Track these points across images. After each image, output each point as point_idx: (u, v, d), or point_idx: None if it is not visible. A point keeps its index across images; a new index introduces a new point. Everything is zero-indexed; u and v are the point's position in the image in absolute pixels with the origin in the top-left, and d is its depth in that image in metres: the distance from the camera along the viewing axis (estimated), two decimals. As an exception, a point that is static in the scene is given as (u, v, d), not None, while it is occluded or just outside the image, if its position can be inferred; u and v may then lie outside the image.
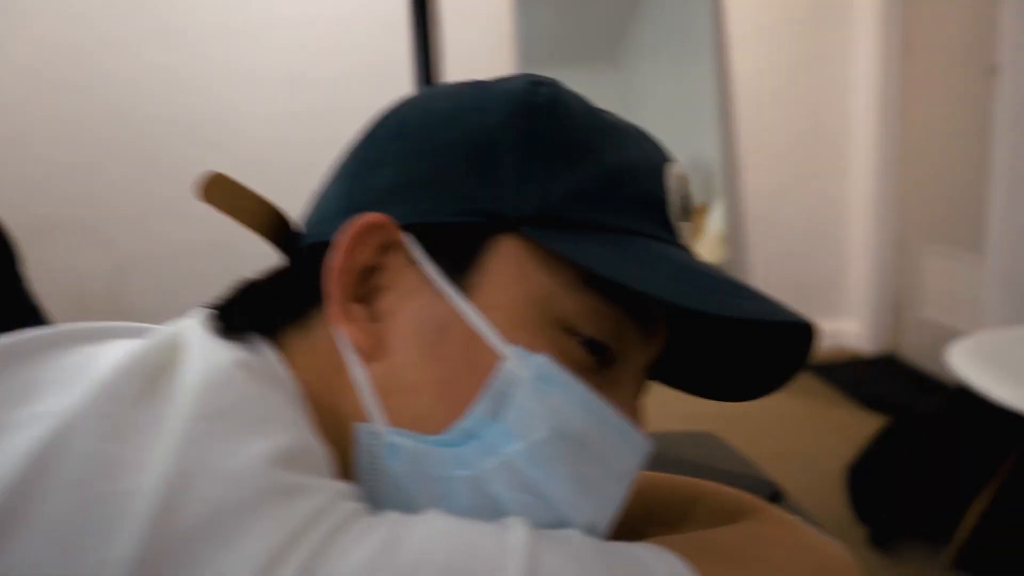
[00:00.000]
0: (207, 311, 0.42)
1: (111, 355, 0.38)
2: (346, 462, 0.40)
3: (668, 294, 0.37)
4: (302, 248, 0.43)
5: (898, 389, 2.70)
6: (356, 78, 2.71)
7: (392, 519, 0.32)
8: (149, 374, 0.35)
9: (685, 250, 0.43)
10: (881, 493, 1.84)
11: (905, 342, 2.99)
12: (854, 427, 2.36)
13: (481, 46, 2.79)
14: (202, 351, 0.35)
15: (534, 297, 0.39)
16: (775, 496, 0.60)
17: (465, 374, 0.38)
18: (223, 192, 0.42)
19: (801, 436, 2.38)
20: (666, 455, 0.63)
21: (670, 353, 0.49)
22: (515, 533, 0.33)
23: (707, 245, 3.74)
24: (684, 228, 0.44)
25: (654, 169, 0.43)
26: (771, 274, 3.14)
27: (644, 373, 0.45)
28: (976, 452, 1.72)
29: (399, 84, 2.42)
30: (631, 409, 0.42)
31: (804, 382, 2.82)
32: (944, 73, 2.69)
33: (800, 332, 0.42)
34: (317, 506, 0.30)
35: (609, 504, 0.40)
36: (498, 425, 0.38)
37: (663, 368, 0.51)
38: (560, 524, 0.38)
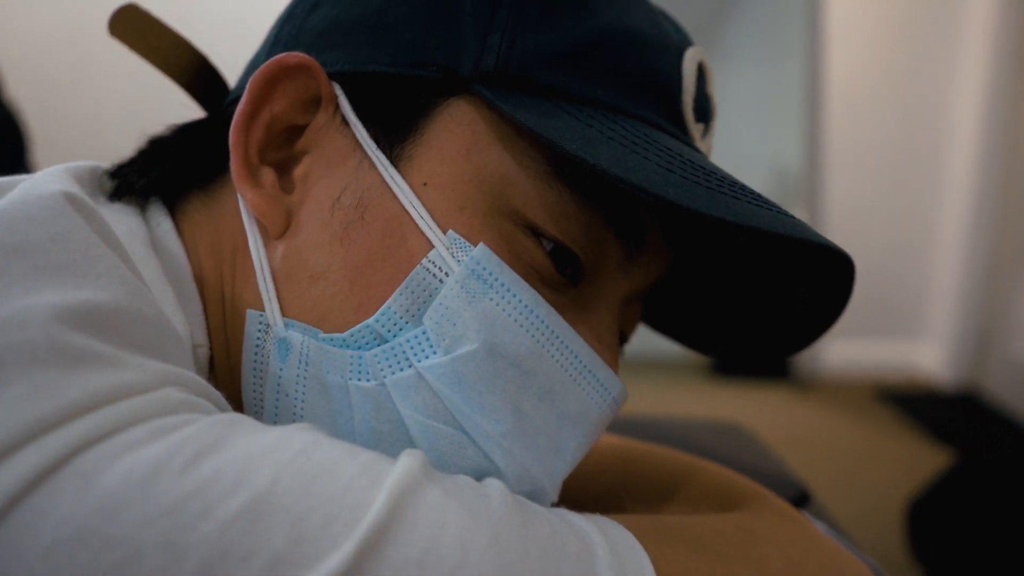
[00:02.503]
0: (88, 164, 0.34)
1: None
2: (231, 362, 0.32)
3: (654, 185, 0.27)
4: (224, 104, 0.36)
5: (975, 427, 2.50)
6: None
7: (229, 420, 0.23)
8: None
9: (693, 148, 0.34)
10: (944, 534, 1.69)
11: (988, 377, 2.76)
12: (922, 462, 2.20)
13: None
14: (27, 184, 0.27)
15: (485, 177, 0.30)
16: (800, 498, 0.49)
17: (383, 263, 0.30)
18: (135, 26, 0.35)
19: (863, 464, 2.24)
20: (678, 438, 0.53)
21: (676, 298, 0.40)
22: (398, 465, 0.24)
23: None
24: (699, 131, 0.34)
25: (667, 46, 0.33)
26: (847, 291, 2.96)
27: (632, 309, 0.36)
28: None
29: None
30: (604, 345, 0.33)
31: (872, 407, 2.64)
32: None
33: (834, 267, 0.32)
34: (111, 384, 0.22)
35: (557, 455, 0.31)
36: (415, 329, 0.29)
37: (661, 313, 0.41)
38: (482, 472, 0.29)
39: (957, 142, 2.87)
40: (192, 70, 0.37)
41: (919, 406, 2.64)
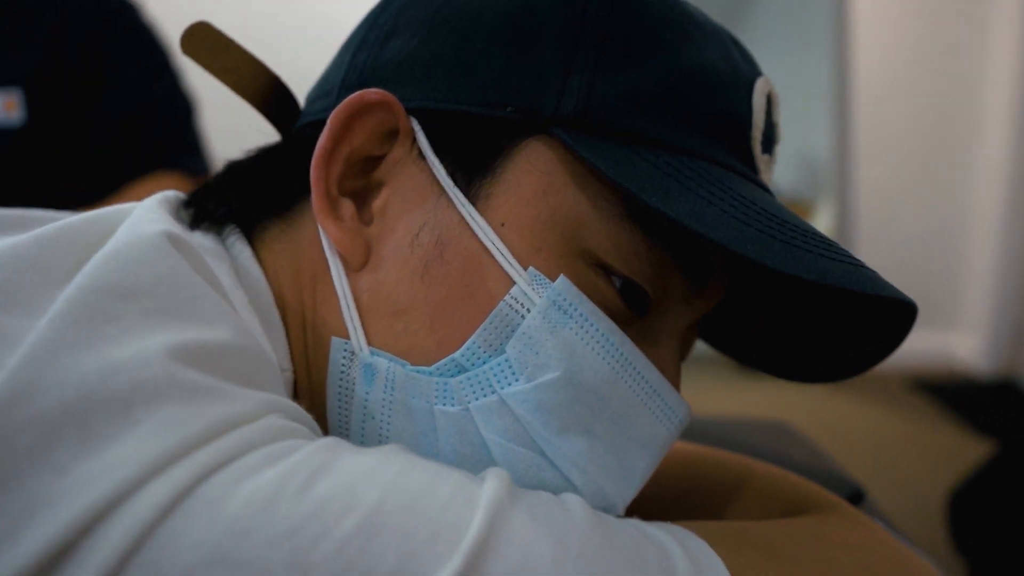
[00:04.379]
0: (172, 193, 0.36)
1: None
2: (313, 384, 0.33)
3: (732, 241, 0.28)
4: (298, 129, 0.37)
5: (1014, 416, 2.48)
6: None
7: (331, 444, 0.25)
8: (86, 246, 0.29)
9: (764, 189, 0.34)
10: (986, 526, 1.68)
11: (1027, 365, 2.73)
12: (961, 452, 2.18)
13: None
14: (131, 223, 0.29)
15: (560, 219, 0.31)
16: (855, 496, 0.50)
17: (465, 301, 0.31)
18: (208, 45, 0.36)
19: (902, 455, 2.22)
20: (728, 440, 0.54)
21: (729, 313, 0.40)
22: (486, 485, 0.25)
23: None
24: (765, 162, 0.35)
25: (739, 80, 0.34)
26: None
27: (690, 332, 0.36)
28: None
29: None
30: (669, 371, 0.34)
31: (909, 398, 2.62)
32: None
33: (895, 310, 0.32)
34: (227, 415, 0.23)
35: (628, 476, 0.32)
36: (498, 358, 0.30)
37: (719, 329, 0.42)
38: (559, 491, 0.30)
39: (989, 130, 2.82)
40: (265, 90, 0.38)
41: (956, 396, 2.62)
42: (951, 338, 2.99)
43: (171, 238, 0.28)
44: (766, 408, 2.08)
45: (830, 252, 0.30)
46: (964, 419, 2.42)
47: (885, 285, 0.30)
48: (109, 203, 1.04)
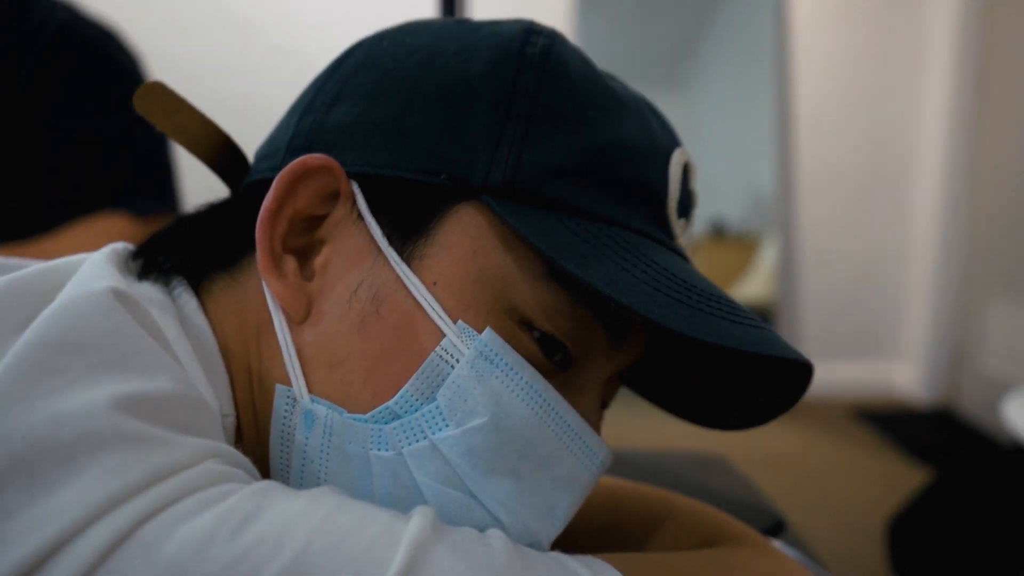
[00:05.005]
0: (121, 246, 0.37)
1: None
2: (259, 431, 0.35)
3: (641, 305, 0.31)
4: (246, 186, 0.39)
5: (951, 443, 2.56)
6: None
7: (264, 488, 0.26)
8: (39, 296, 0.30)
9: (678, 254, 0.37)
10: (923, 550, 1.73)
11: (962, 394, 2.83)
12: (899, 479, 2.24)
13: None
14: (79, 278, 0.30)
15: (488, 279, 0.33)
16: (776, 527, 0.53)
17: (398, 354, 0.33)
18: (160, 103, 0.37)
19: (841, 483, 2.27)
20: (664, 471, 0.56)
21: (650, 364, 0.43)
22: (411, 523, 0.27)
23: (758, 277, 3.62)
24: (681, 227, 0.38)
25: (656, 152, 0.36)
26: (823, 311, 3.02)
27: (612, 383, 0.39)
28: (1030, 514, 1.60)
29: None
30: (592, 418, 0.36)
31: (851, 427, 2.68)
32: (1020, 115, 2.55)
33: (795, 366, 0.35)
34: (165, 463, 0.25)
35: (551, 515, 0.34)
36: (429, 406, 0.32)
37: (640, 378, 0.44)
38: (487, 528, 0.32)
39: (923, 170, 2.95)
40: (216, 148, 0.39)
41: (896, 424, 2.69)
42: (891, 368, 3.08)
43: (116, 294, 0.29)
44: (714, 437, 2.12)
45: (733, 316, 0.33)
46: (903, 447, 2.50)
47: (782, 346, 0.33)
48: (51, 240, 1.01)
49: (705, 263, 3.75)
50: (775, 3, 2.90)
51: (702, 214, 3.72)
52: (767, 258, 3.26)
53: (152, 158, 1.11)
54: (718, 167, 3.72)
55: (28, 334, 0.27)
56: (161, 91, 0.37)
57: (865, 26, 2.88)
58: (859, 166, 2.96)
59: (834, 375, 3.02)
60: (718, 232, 4.26)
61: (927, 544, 1.73)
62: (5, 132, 1.02)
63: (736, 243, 3.95)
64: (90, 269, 0.32)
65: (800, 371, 0.35)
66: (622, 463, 0.53)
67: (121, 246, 0.37)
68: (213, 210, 0.39)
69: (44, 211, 1.05)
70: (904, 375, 3.05)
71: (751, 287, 3.52)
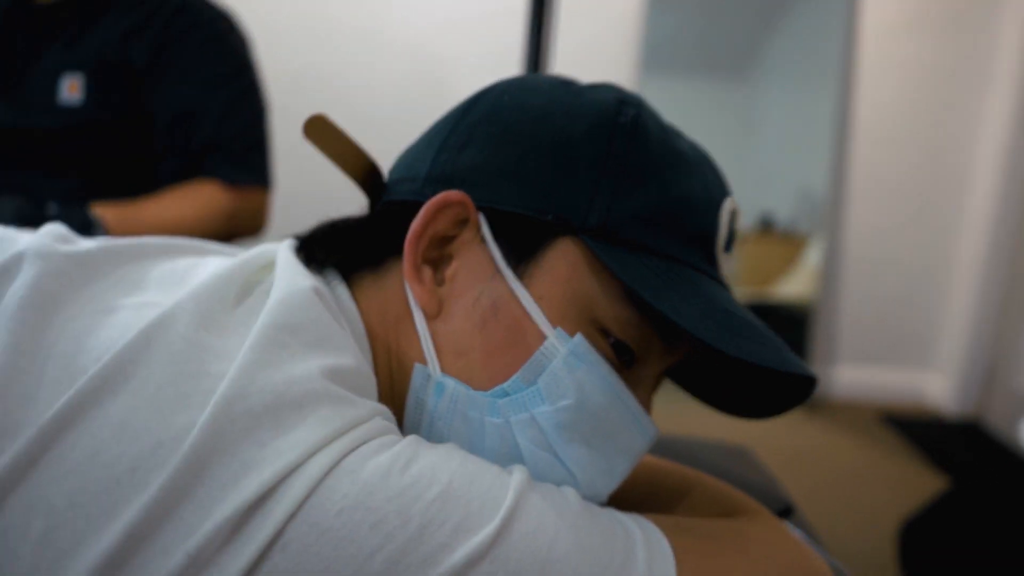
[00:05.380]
0: (294, 242, 0.49)
1: (211, 266, 0.45)
2: (393, 394, 0.46)
3: (696, 329, 0.41)
4: (387, 202, 0.49)
5: (975, 455, 2.60)
6: (468, 60, 2.77)
7: (415, 441, 0.38)
8: (241, 286, 0.42)
9: (722, 285, 0.47)
10: (933, 554, 1.80)
11: (992, 409, 2.86)
12: (919, 485, 2.30)
13: (601, 44, 2.81)
14: (286, 275, 0.42)
15: (579, 297, 0.43)
16: (785, 510, 0.63)
17: (509, 349, 0.43)
18: (324, 134, 0.48)
19: (861, 483, 2.34)
20: (694, 456, 0.66)
21: (692, 365, 0.53)
22: (514, 476, 0.38)
23: (801, 276, 3.66)
24: (726, 260, 0.48)
25: (711, 204, 0.46)
26: (861, 316, 3.06)
27: (661, 377, 0.49)
28: (1040, 530, 1.67)
29: (508, 70, 2.48)
30: (645, 403, 0.47)
31: (875, 430, 2.75)
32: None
33: (805, 379, 0.45)
34: (356, 417, 0.36)
35: (612, 475, 0.45)
36: (532, 388, 0.43)
37: (683, 374, 0.55)
38: (565, 482, 0.43)
39: (977, 185, 2.95)
40: (364, 170, 0.50)
41: (922, 432, 2.74)
42: (923, 377, 3.12)
43: (316, 291, 0.41)
44: (742, 431, 2.21)
45: (762, 339, 0.43)
46: (927, 455, 2.55)
47: (796, 364, 0.43)
48: (155, 202, 1.15)
49: (751, 256, 3.79)
50: (847, 8, 2.91)
51: (752, 208, 3.74)
52: (812, 258, 3.31)
53: (249, 134, 1.19)
54: (772, 163, 3.75)
55: (263, 317, 0.38)
56: (324, 123, 0.48)
57: (933, 39, 2.88)
58: (913, 178, 2.97)
59: (866, 379, 3.07)
60: (766, 227, 4.29)
61: (938, 549, 1.80)
62: (119, 101, 1.13)
63: (783, 240, 3.98)
64: (291, 267, 0.43)
65: (808, 381, 0.45)
66: (661, 446, 0.64)
67: (288, 242, 0.48)
68: (363, 222, 0.50)
69: (149, 174, 1.16)
70: (935, 385, 3.09)
71: (793, 285, 3.56)
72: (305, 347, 0.37)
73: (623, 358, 0.44)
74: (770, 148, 4.02)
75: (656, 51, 3.01)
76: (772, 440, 1.74)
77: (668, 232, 0.44)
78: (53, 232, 0.45)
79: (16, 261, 0.41)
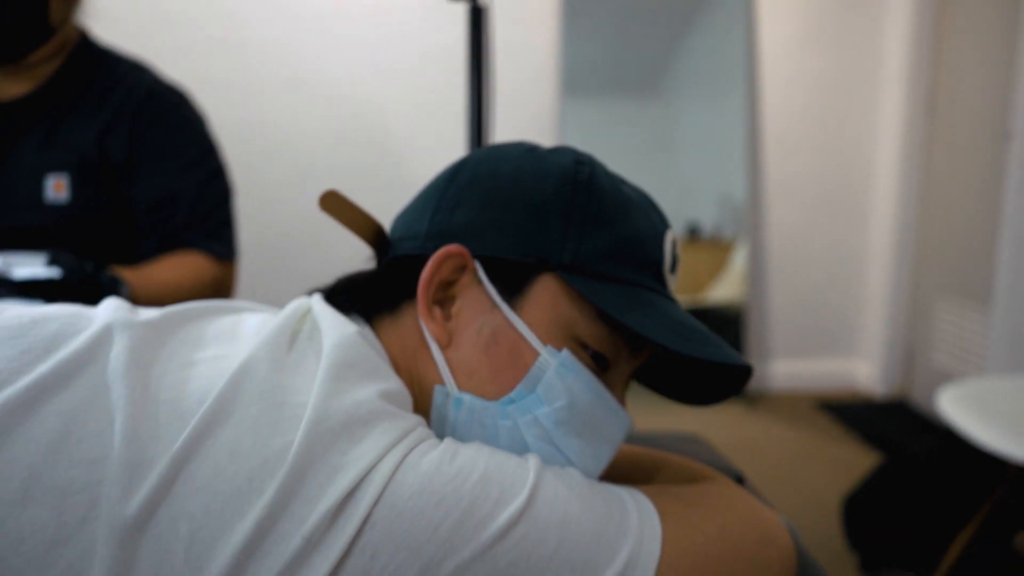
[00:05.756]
0: (320, 294, 0.59)
1: (254, 321, 0.55)
2: (419, 411, 0.56)
3: (656, 337, 0.52)
4: (395, 257, 0.60)
5: (904, 431, 2.78)
6: (412, 101, 2.89)
7: (452, 441, 0.48)
8: (291, 334, 0.52)
9: (671, 300, 0.59)
10: (873, 524, 1.94)
11: (915, 387, 3.09)
12: (857, 463, 2.45)
13: (527, 75, 2.96)
14: (332, 323, 0.52)
15: (562, 320, 0.54)
16: (738, 480, 0.75)
17: (510, 366, 0.54)
18: (337, 204, 0.58)
19: (806, 467, 2.48)
20: (654, 442, 0.78)
21: (652, 367, 0.65)
22: (531, 460, 0.49)
23: (731, 279, 3.87)
24: (672, 280, 0.60)
25: (656, 237, 0.58)
26: (790, 313, 3.25)
27: (630, 377, 0.61)
28: (962, 490, 1.84)
29: (453, 109, 2.61)
30: (620, 399, 0.58)
31: (814, 417, 2.93)
32: (964, 135, 2.81)
33: (743, 369, 0.57)
34: (407, 426, 0.47)
35: (600, 458, 0.56)
36: (532, 395, 0.54)
37: (646, 376, 0.67)
38: (565, 466, 0.54)
39: (879, 178, 3.19)
40: (374, 234, 0.60)
41: (855, 414, 2.93)
42: (851, 364, 3.33)
43: (361, 335, 0.51)
44: (691, 425, 2.34)
45: (706, 339, 0.54)
46: (861, 435, 2.73)
47: (736, 357, 0.55)
48: (154, 266, 1.22)
49: (682, 264, 3.96)
50: (745, 25, 3.13)
51: (678, 218, 3.93)
52: (738, 261, 3.50)
53: (221, 211, 1.28)
54: (693, 174, 3.95)
55: (325, 359, 0.48)
56: (336, 197, 0.58)
57: (827, 50, 3.11)
58: (822, 178, 3.19)
59: (799, 369, 3.27)
60: (693, 235, 4.47)
61: (877, 517, 1.94)
62: (102, 194, 1.19)
63: (710, 246, 4.17)
64: (331, 317, 0.53)
65: (746, 371, 0.58)
66: (629, 439, 0.75)
67: (317, 295, 0.58)
68: (375, 273, 0.60)
69: (131, 250, 1.23)
70: (863, 371, 3.29)
71: (724, 289, 3.75)
72: (362, 377, 0.48)
73: (600, 365, 0.56)
74: (690, 160, 4.23)
75: (575, 77, 3.17)
76: (718, 432, 1.87)
77: (625, 263, 0.55)
78: (121, 305, 0.54)
79: (108, 332, 0.50)
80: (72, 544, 0.40)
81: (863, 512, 1.95)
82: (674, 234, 0.60)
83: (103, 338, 0.49)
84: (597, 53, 3.90)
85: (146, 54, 1.32)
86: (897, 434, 2.75)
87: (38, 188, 1.17)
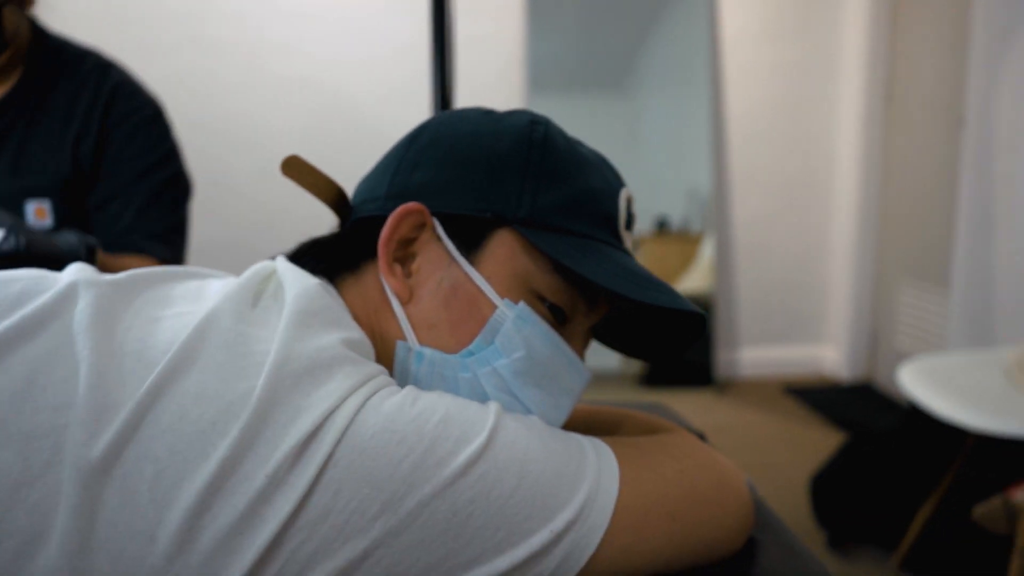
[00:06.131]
0: (285, 257, 0.60)
1: (218, 284, 0.55)
2: (385, 365, 0.58)
3: (608, 284, 0.54)
4: (357, 219, 0.61)
5: (869, 412, 2.85)
6: (379, 94, 2.90)
7: (413, 388, 0.49)
8: (256, 291, 0.53)
9: (627, 254, 0.60)
10: (839, 501, 1.99)
11: (879, 370, 3.16)
12: (824, 444, 2.50)
13: (493, 69, 2.98)
14: (295, 277, 0.53)
15: (518, 273, 0.56)
16: (699, 437, 0.77)
17: (468, 319, 0.55)
18: (300, 170, 0.59)
19: (774, 450, 2.53)
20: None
21: (612, 323, 0.67)
22: (491, 405, 0.50)
23: (699, 271, 3.92)
24: (627, 236, 0.62)
25: (610, 192, 0.59)
26: (757, 301, 3.31)
27: (589, 332, 0.63)
28: (923, 465, 1.88)
29: (418, 100, 2.62)
30: (579, 352, 0.60)
31: (780, 402, 2.98)
32: (921, 122, 2.88)
33: (696, 317, 0.59)
34: (370, 372, 0.48)
35: (559, 409, 0.57)
36: (491, 347, 0.55)
37: (607, 335, 0.68)
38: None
39: (840, 168, 3.26)
40: (333, 195, 0.61)
41: (821, 398, 2.99)
42: (818, 350, 3.39)
43: (322, 285, 0.52)
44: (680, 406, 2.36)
45: (659, 288, 0.56)
46: (828, 417, 2.79)
47: (688, 304, 0.57)
48: (106, 258, 1.17)
49: (651, 257, 4.01)
50: (707, 19, 3.18)
51: (647, 212, 3.97)
52: (706, 254, 3.55)
53: (170, 217, 1.25)
54: (660, 169, 3.99)
55: (288, 306, 0.49)
56: (298, 162, 0.59)
57: (787, 42, 3.18)
58: (785, 169, 3.26)
59: (767, 357, 3.32)
60: (662, 228, 4.52)
61: (843, 495, 1.99)
62: (79, 207, 1.15)
63: (678, 239, 4.22)
64: (294, 272, 0.54)
65: (700, 320, 0.59)
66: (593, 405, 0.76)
67: (281, 257, 0.59)
68: (339, 237, 0.62)
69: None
70: (829, 356, 3.36)
71: (693, 280, 3.80)
72: (325, 325, 0.49)
73: (557, 318, 0.57)
74: (656, 154, 4.28)
75: (540, 72, 3.20)
76: (686, 418, 1.90)
77: (579, 217, 0.57)
78: (85, 267, 0.55)
79: (72, 289, 0.50)
80: (38, 486, 0.41)
81: (829, 490, 1.99)
82: (629, 192, 0.61)
83: (68, 295, 0.50)
84: (562, 48, 3.93)
85: (111, 50, 1.27)
86: (862, 415, 2.81)
87: (19, 214, 1.13)
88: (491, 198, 0.56)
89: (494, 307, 0.55)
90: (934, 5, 2.80)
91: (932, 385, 1.67)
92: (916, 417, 1.92)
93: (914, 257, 2.94)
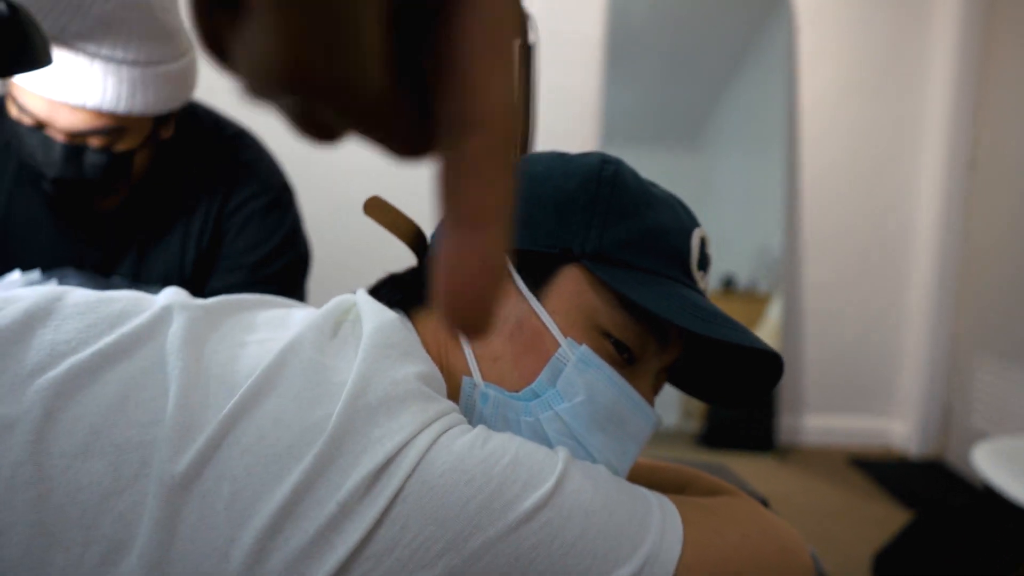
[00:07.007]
0: (364, 290, 0.62)
1: (302, 313, 0.58)
2: (452, 400, 0.59)
3: (675, 318, 0.54)
4: (428, 255, 0.63)
5: (938, 491, 2.73)
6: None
7: (484, 428, 0.50)
8: (336, 321, 0.55)
9: (700, 293, 0.61)
10: (904, 581, 1.90)
11: (951, 447, 3.02)
12: (889, 521, 2.41)
13: (567, 118, 3.02)
14: (374, 310, 0.55)
15: (584, 308, 0.57)
16: (763, 502, 0.75)
17: (533, 354, 0.56)
18: (382, 211, 0.62)
19: (837, 523, 2.44)
20: (682, 467, 0.79)
21: (687, 369, 0.67)
22: (560, 452, 0.51)
23: (767, 332, 3.84)
24: (700, 277, 0.62)
25: (682, 230, 0.60)
26: (825, 368, 3.21)
27: (661, 374, 0.63)
28: (995, 551, 1.79)
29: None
30: (648, 395, 0.60)
31: (845, 473, 2.87)
32: (1006, 191, 2.79)
33: (773, 360, 0.59)
34: (442, 409, 0.49)
35: (625, 456, 0.57)
36: (553, 390, 0.56)
37: (682, 380, 0.68)
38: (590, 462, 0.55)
39: (919, 236, 3.17)
40: (412, 235, 0.64)
41: (888, 472, 2.88)
42: (886, 422, 3.27)
43: (400, 320, 0.53)
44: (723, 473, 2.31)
45: (730, 325, 0.56)
46: (894, 493, 2.68)
47: (763, 344, 0.56)
48: None
49: (715, 315, 3.95)
50: (786, 76, 3.17)
51: (715, 271, 3.93)
52: (773, 315, 3.48)
53: (288, 286, 1.19)
54: (730, 227, 3.95)
55: (366, 339, 0.50)
56: (380, 202, 0.62)
57: (868, 103, 3.13)
58: (860, 234, 3.18)
59: (832, 425, 3.22)
60: (728, 287, 4.47)
61: (908, 574, 1.90)
62: (186, 284, 1.12)
63: (745, 299, 4.16)
64: (374, 306, 0.56)
65: (777, 364, 0.58)
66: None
67: (361, 290, 0.61)
68: (415, 271, 0.63)
69: None
70: (898, 429, 3.23)
71: (764, 338, 3.72)
72: (400, 358, 0.50)
73: (624, 355, 0.57)
74: (727, 212, 4.24)
75: (615, 124, 3.23)
76: (749, 484, 1.85)
77: (648, 253, 0.57)
78: (180, 292, 0.58)
79: (167, 311, 0.53)
80: (125, 497, 0.43)
81: (894, 567, 1.91)
82: (704, 232, 0.61)
83: (163, 317, 0.53)
84: (638, 102, 3.96)
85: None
86: (931, 493, 2.69)
87: None
88: (559, 234, 0.57)
89: (557, 345, 0.56)
90: (1021, 70, 2.73)
91: (1011, 468, 1.60)
92: (991, 500, 1.83)
93: (994, 332, 2.82)
